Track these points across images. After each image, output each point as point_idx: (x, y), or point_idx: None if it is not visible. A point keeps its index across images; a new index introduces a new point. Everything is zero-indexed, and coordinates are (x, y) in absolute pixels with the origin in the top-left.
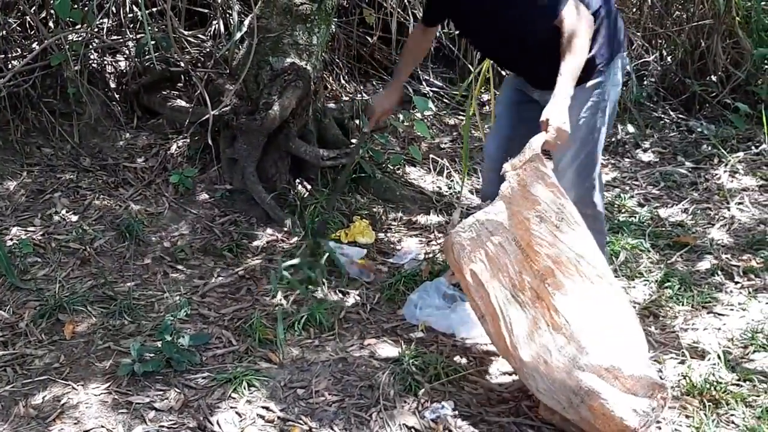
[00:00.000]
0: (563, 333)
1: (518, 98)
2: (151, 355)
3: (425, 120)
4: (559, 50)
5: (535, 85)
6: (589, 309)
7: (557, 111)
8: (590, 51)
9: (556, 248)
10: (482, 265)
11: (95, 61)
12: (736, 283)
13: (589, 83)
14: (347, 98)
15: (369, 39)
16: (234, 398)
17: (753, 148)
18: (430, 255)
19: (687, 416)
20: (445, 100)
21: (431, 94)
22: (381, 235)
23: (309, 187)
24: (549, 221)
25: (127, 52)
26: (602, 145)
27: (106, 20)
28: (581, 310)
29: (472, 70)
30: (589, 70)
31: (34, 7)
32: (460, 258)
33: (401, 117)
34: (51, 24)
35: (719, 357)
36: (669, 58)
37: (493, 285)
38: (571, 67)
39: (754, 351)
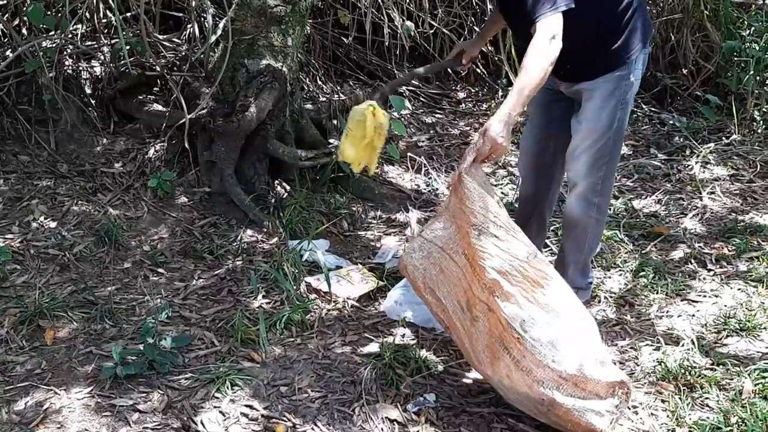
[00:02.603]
0: (517, 347)
1: (549, 98)
2: (134, 357)
3: (402, 119)
4: (585, 42)
5: (561, 78)
6: (540, 317)
7: (495, 123)
8: (617, 42)
9: (500, 258)
10: (438, 281)
11: (70, 67)
12: (709, 270)
13: (615, 73)
14: (324, 99)
15: (344, 40)
16: (217, 398)
17: (723, 138)
18: None
19: (663, 401)
20: (421, 99)
21: (408, 93)
22: (360, 233)
23: (288, 187)
24: (487, 232)
25: (102, 57)
26: (622, 137)
27: (80, 26)
28: (532, 320)
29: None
30: (614, 60)
31: (6, 14)
32: (416, 279)
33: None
34: (24, 31)
35: (693, 342)
36: None
37: (450, 300)
38: (520, 85)
39: (727, 336)
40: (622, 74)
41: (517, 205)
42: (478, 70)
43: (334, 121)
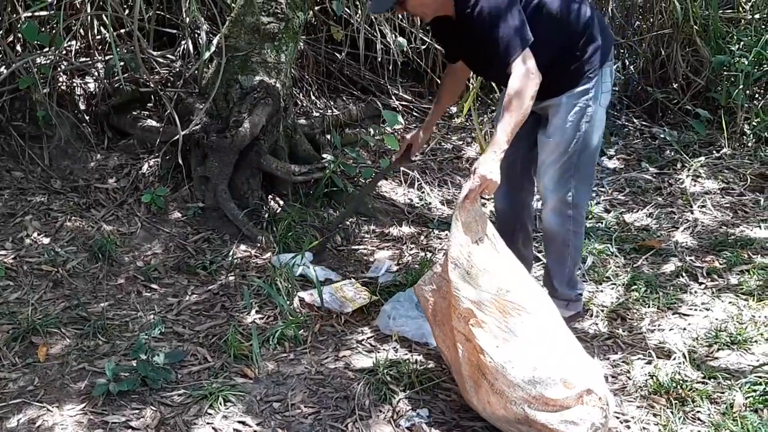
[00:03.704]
0: (490, 371)
1: None
2: (126, 374)
3: (395, 133)
4: (549, 63)
5: None
6: (512, 342)
7: (485, 162)
8: (579, 61)
9: (472, 290)
10: (447, 315)
11: (64, 84)
12: (700, 283)
13: (577, 89)
14: (318, 114)
15: (338, 55)
16: (210, 414)
17: (714, 152)
18: (403, 266)
19: (655, 414)
20: (414, 114)
21: (400, 108)
22: (354, 247)
23: (281, 202)
24: (461, 267)
25: (96, 73)
26: (594, 150)
27: (74, 42)
28: (504, 345)
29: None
30: (577, 76)
31: (1, 31)
32: (427, 309)
33: (372, 131)
34: (19, 47)
35: (685, 356)
36: (631, 68)
37: (455, 329)
38: (505, 123)
39: (718, 349)
40: (586, 89)
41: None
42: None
43: (328, 136)
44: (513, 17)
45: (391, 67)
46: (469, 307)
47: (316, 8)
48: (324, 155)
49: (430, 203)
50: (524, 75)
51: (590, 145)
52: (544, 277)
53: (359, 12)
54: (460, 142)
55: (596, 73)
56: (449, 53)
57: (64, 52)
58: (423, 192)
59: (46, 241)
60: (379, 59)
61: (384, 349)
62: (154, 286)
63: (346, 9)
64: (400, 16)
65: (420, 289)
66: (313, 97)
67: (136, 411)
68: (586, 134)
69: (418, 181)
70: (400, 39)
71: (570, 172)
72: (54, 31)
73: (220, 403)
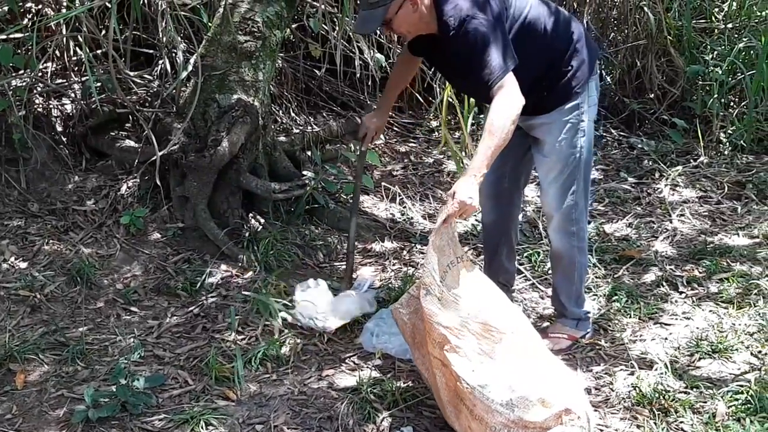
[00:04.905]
0: (468, 397)
1: None
2: (106, 400)
3: (376, 148)
4: (536, 80)
5: None
6: (487, 366)
7: (464, 185)
8: (566, 77)
9: (444, 315)
10: (420, 337)
11: (40, 105)
12: (681, 293)
13: (567, 105)
14: (298, 131)
15: (317, 72)
16: None
17: (691, 161)
18: (385, 282)
19: (638, 426)
20: (395, 129)
21: None
22: (336, 264)
23: (262, 220)
24: (433, 294)
25: (72, 95)
26: (588, 165)
27: (50, 64)
28: (480, 369)
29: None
30: (566, 93)
31: None
32: (405, 332)
33: (352, 147)
34: None
35: (667, 366)
36: (608, 79)
37: (431, 355)
38: (486, 147)
39: (700, 358)
40: (576, 104)
41: (480, 235)
42: (451, 100)
43: (308, 153)
44: (497, 41)
45: (370, 83)
46: (443, 333)
47: (294, 26)
48: (304, 172)
49: (411, 218)
50: (507, 100)
51: (585, 158)
52: (552, 296)
53: (336, 29)
54: (441, 156)
55: (584, 88)
56: (416, 50)
57: (39, 74)
58: (404, 207)
59: (23, 265)
60: (358, 75)
61: (367, 367)
62: (133, 308)
63: (324, 26)
64: (377, 32)
65: (397, 312)
66: (292, 114)
67: None
68: (581, 149)
69: (399, 195)
70: (378, 55)
71: (573, 188)
72: (29, 54)
73: (202, 427)
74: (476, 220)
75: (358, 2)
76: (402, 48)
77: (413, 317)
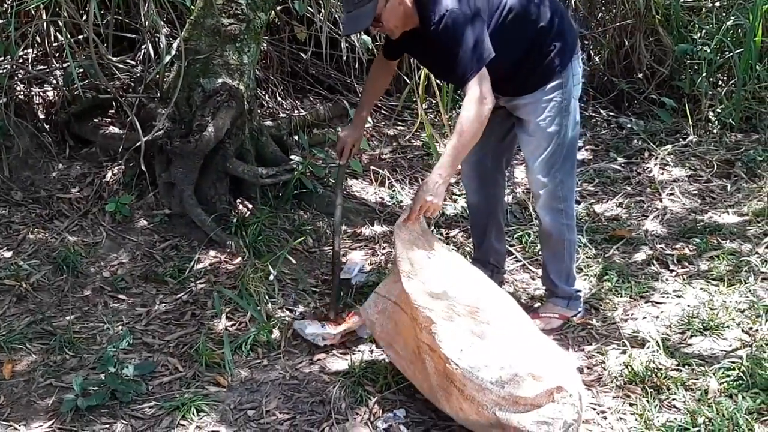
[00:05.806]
0: (458, 378)
1: None
2: (95, 388)
3: (364, 132)
4: (517, 62)
5: (501, 93)
6: (474, 344)
7: (430, 185)
8: (547, 58)
9: (429, 298)
10: (394, 335)
11: (22, 93)
12: (671, 271)
13: (550, 85)
14: (284, 115)
15: (302, 55)
16: (183, 425)
17: (680, 140)
18: (375, 266)
19: (631, 404)
20: (383, 112)
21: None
22: (326, 249)
23: (250, 206)
24: (416, 279)
25: (54, 81)
26: (573, 143)
27: (30, 50)
28: (468, 348)
29: (408, 81)
30: (549, 72)
31: None
32: (374, 332)
33: (339, 131)
34: None
35: (658, 344)
36: (596, 59)
37: (407, 351)
38: (453, 148)
39: (691, 336)
40: (559, 83)
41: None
42: (438, 83)
43: (295, 137)
44: (474, 33)
45: (357, 66)
46: (428, 315)
47: (278, 8)
48: (292, 156)
49: (401, 201)
50: (477, 99)
51: (570, 136)
52: (542, 275)
53: (322, 11)
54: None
55: (567, 67)
56: (390, 51)
57: (20, 60)
58: (394, 190)
59: (8, 254)
60: (345, 58)
61: (359, 351)
62: (121, 296)
63: (309, 8)
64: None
65: (365, 313)
66: (279, 98)
67: (106, 426)
68: (565, 127)
69: (388, 179)
70: (365, 37)
71: (557, 166)
72: (8, 40)
73: (193, 414)
74: (465, 201)
75: (342, 6)
76: (376, 57)
77: (381, 317)
